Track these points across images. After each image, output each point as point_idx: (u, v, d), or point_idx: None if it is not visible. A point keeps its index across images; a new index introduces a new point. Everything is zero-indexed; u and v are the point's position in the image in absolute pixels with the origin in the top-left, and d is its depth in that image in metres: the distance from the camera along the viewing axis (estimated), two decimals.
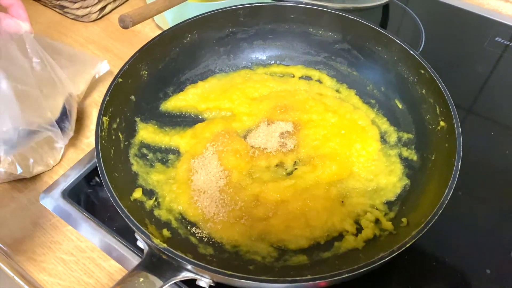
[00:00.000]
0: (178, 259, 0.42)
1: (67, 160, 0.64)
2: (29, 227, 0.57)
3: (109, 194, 0.46)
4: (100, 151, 0.50)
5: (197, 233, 0.53)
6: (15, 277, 0.54)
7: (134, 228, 0.44)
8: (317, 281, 0.41)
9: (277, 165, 0.60)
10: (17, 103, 0.52)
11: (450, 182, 0.46)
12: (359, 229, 0.53)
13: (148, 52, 0.61)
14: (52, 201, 0.59)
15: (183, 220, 0.54)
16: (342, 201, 0.56)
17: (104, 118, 0.53)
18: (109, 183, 0.47)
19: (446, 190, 0.46)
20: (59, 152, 0.63)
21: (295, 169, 0.59)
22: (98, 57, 0.71)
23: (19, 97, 0.52)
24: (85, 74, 0.68)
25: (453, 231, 0.56)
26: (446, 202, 0.45)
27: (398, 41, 0.61)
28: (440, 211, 0.44)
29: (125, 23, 0.50)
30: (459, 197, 0.57)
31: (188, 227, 0.53)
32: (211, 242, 0.52)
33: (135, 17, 0.50)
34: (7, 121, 0.52)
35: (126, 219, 0.44)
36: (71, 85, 0.62)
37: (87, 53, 0.75)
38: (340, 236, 0.53)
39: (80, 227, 0.56)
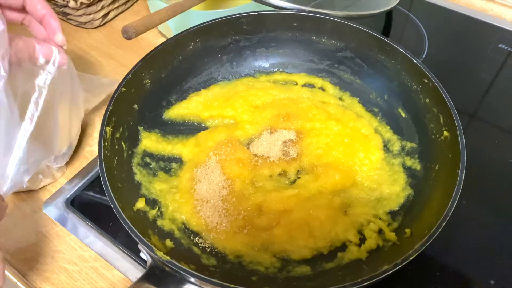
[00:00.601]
0: (181, 271, 0.42)
1: (70, 169, 0.64)
2: (32, 236, 0.57)
3: (112, 206, 0.46)
4: (103, 162, 0.50)
5: (200, 243, 0.53)
6: (18, 283, 0.54)
7: (137, 240, 0.44)
8: None
9: (280, 174, 0.60)
10: (27, 146, 0.49)
11: (454, 193, 0.46)
12: (363, 240, 0.53)
13: (151, 61, 0.61)
14: (55, 210, 0.59)
15: (186, 230, 0.54)
16: (345, 211, 0.56)
17: (107, 128, 0.53)
18: (112, 195, 0.47)
19: (450, 202, 0.45)
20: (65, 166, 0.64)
21: (298, 178, 0.59)
22: (114, 80, 0.70)
23: (35, 136, 0.50)
24: (101, 94, 0.69)
25: (457, 241, 0.55)
26: (450, 214, 0.45)
27: (401, 50, 0.61)
28: (444, 223, 0.44)
29: (128, 34, 0.50)
30: (463, 206, 0.56)
31: (191, 237, 0.53)
32: (214, 252, 0.52)
33: (138, 28, 0.50)
34: (12, 165, 0.49)
35: (129, 231, 0.44)
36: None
37: (105, 78, 0.73)
38: (343, 247, 0.52)
39: (83, 236, 0.57)
